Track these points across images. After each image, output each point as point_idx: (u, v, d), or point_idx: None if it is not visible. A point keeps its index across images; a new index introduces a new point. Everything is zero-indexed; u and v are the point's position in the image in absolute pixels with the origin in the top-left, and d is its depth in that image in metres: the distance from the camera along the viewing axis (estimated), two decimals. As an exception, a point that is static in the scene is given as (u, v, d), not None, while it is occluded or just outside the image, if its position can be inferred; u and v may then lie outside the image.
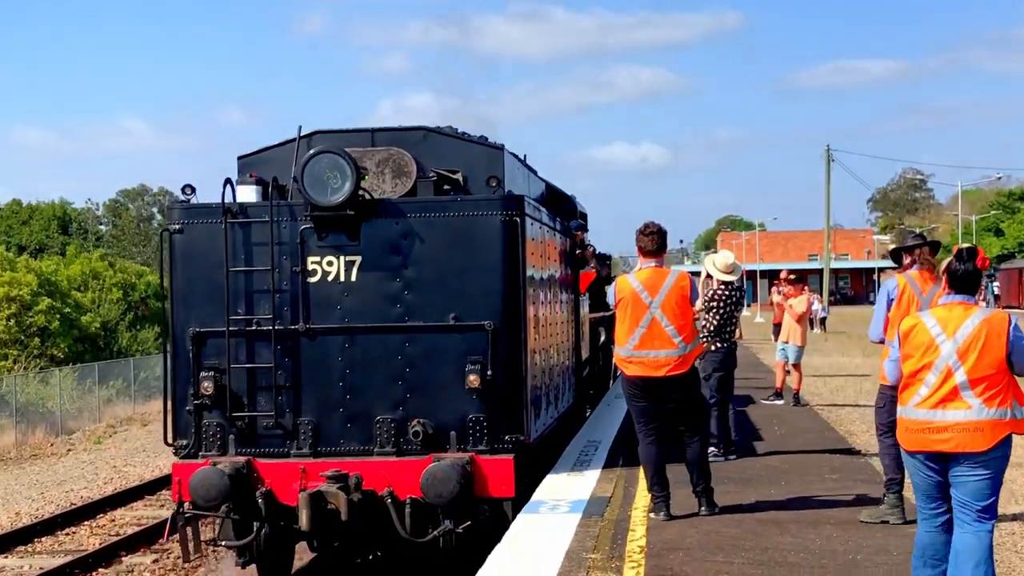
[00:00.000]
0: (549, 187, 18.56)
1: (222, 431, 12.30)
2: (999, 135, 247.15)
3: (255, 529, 11.93)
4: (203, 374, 12.24)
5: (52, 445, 31.35)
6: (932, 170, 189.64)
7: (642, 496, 11.62)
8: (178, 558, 15.68)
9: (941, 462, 7.46)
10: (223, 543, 12.37)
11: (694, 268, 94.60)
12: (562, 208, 18.39)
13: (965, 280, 7.63)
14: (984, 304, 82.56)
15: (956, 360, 7.41)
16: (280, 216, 12.29)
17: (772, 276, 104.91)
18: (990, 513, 7.46)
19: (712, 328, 14.44)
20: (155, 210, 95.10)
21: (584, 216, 21.25)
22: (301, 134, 13.05)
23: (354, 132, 13.44)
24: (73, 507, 20.89)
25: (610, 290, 11.26)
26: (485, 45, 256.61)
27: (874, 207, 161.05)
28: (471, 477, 11.75)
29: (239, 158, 13.61)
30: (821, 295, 61.31)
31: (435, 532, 11.75)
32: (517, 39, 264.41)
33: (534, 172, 16.88)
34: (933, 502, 7.59)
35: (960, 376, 7.40)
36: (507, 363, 12.25)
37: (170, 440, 12.52)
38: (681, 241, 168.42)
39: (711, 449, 13.34)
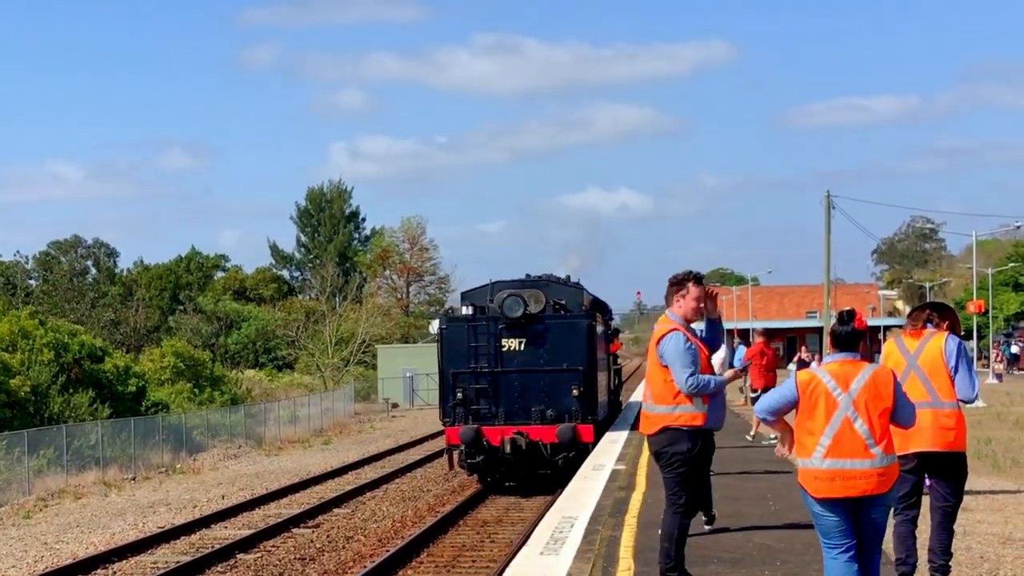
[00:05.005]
0: (593, 296, 35.18)
1: (465, 414, 29.99)
2: (1018, 179, 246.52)
3: (478, 458, 29.77)
4: (457, 390, 30.00)
5: (-24, 521, 31.22)
6: (944, 218, 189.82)
7: None
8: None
9: (851, 505, 8.87)
10: (465, 462, 30.12)
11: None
12: (600, 307, 37.18)
13: (848, 339, 9.09)
14: (1000, 365, 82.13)
15: (853, 411, 8.84)
16: (489, 322, 30.13)
17: (770, 336, 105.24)
18: (881, 546, 9.18)
19: None
20: (90, 263, 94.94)
21: (610, 310, 43.43)
22: (491, 283, 31.40)
23: (514, 280, 31.50)
24: (-2, 589, 20.82)
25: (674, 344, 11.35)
26: (448, 80, 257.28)
27: (879, 259, 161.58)
28: (576, 433, 29.10)
29: (462, 294, 33.11)
30: (820, 355, 61.26)
31: (559, 457, 29.07)
32: (483, 74, 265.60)
33: (581, 286, 33.45)
34: (844, 538, 8.95)
35: (860, 426, 8.83)
36: (589, 385, 30.10)
37: (442, 418, 30.55)
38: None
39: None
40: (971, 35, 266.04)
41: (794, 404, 9.10)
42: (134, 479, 39.67)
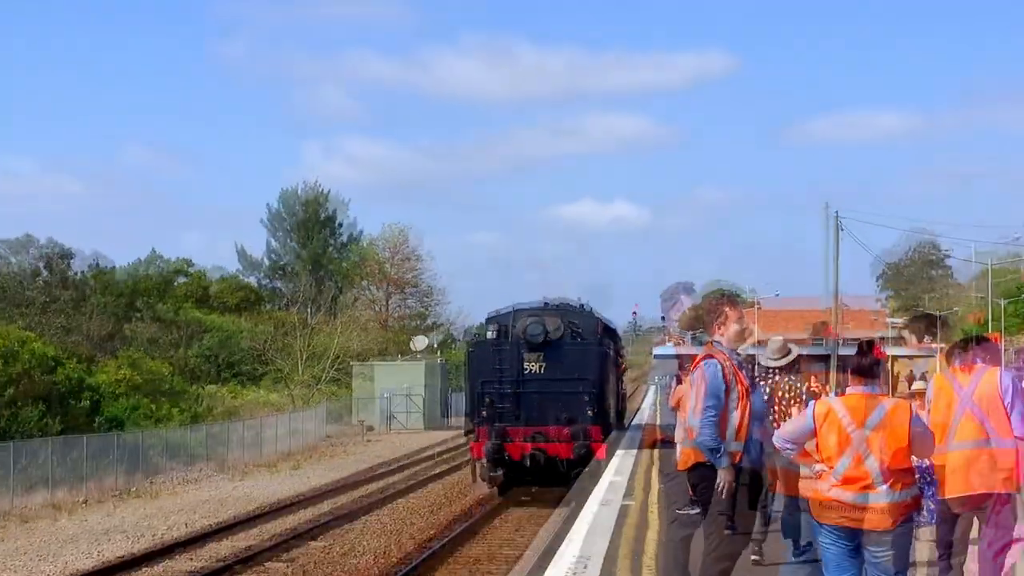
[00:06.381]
0: (603, 319, 39.81)
1: (490, 427, 34.56)
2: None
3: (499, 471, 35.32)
4: (485, 400, 35.01)
5: (-86, 546, 30.36)
6: (944, 231, 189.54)
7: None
8: None
9: (854, 536, 9.30)
10: (487, 476, 35.21)
11: (672, 350, 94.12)
12: (610, 332, 41.80)
13: (867, 371, 9.49)
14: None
15: (865, 447, 9.21)
16: (512, 344, 35.20)
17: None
18: None
19: None
20: (42, 265, 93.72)
21: (619, 335, 49.67)
22: (513, 308, 36.74)
23: (534, 306, 36.87)
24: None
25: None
26: (433, 83, 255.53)
27: (884, 285, 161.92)
28: (588, 447, 34.27)
29: (487, 317, 37.56)
30: (827, 384, 60.65)
31: (575, 472, 32.83)
32: (472, 77, 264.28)
33: (594, 313, 38.60)
34: (846, 571, 9.41)
35: (871, 462, 9.18)
36: (600, 403, 35.66)
37: (467, 431, 37.34)
38: (663, 316, 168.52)
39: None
40: (975, 53, 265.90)
41: (811, 434, 9.53)
42: (86, 502, 38.82)
